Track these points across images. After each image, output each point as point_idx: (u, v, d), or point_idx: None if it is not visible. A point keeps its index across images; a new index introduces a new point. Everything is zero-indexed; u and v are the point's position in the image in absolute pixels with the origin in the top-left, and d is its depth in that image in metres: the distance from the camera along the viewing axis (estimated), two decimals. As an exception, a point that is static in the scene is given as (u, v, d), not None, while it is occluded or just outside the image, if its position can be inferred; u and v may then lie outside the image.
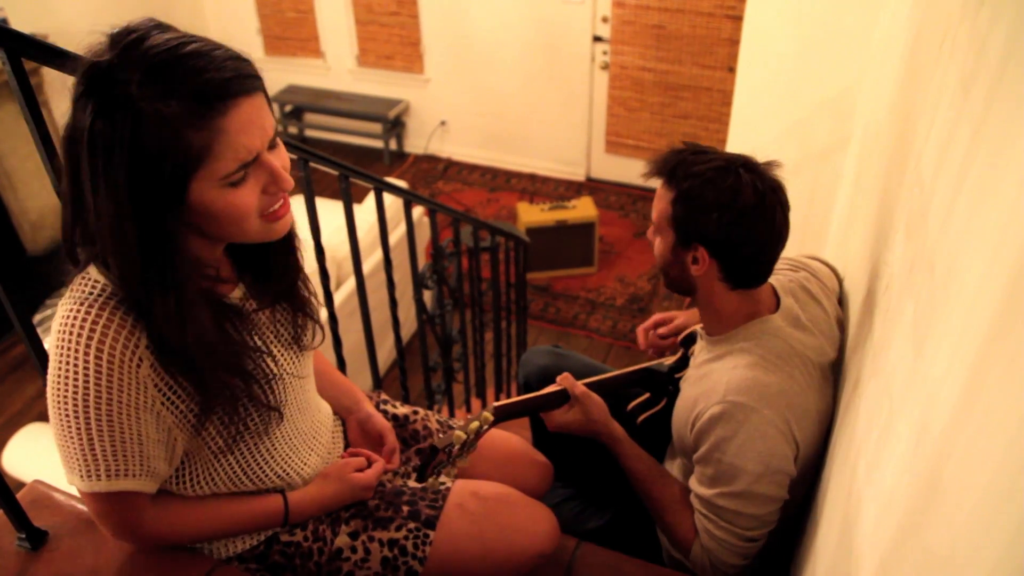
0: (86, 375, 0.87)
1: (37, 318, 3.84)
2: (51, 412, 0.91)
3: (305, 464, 1.15)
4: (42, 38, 1.07)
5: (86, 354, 0.86)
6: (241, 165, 0.85)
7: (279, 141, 0.93)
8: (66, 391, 0.88)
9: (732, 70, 4.40)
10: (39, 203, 4.29)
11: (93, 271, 0.91)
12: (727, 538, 1.24)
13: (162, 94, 0.79)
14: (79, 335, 0.87)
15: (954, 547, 0.55)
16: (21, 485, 1.26)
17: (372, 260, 3.23)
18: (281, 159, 0.92)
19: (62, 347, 0.87)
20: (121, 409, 0.89)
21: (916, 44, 1.30)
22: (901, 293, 0.93)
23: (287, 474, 1.12)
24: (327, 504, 1.17)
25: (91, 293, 0.89)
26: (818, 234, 2.29)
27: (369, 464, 1.22)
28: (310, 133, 5.90)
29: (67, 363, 0.87)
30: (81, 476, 0.93)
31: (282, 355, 1.08)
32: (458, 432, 1.22)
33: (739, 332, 1.29)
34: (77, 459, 0.92)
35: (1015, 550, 0.44)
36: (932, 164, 0.90)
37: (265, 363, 1.02)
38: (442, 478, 1.26)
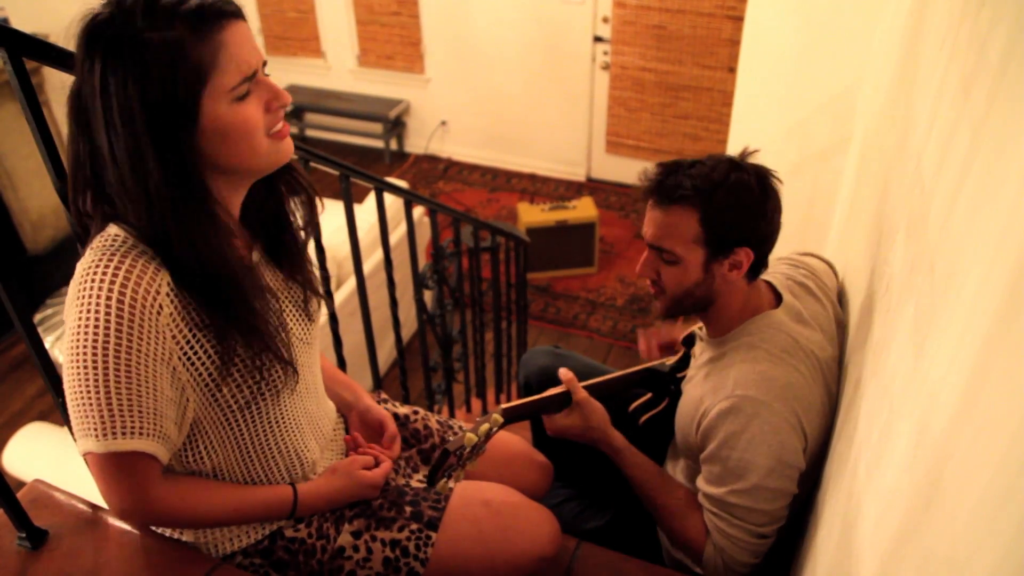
0: (107, 320, 0.88)
1: (37, 317, 3.84)
2: (67, 368, 0.91)
3: (307, 447, 1.16)
4: (43, 38, 1.07)
5: (108, 298, 0.88)
6: (243, 78, 0.91)
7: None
8: (85, 340, 0.88)
9: (733, 70, 4.40)
10: (40, 202, 4.29)
11: (112, 228, 0.93)
12: (741, 536, 1.23)
13: (164, 21, 0.85)
14: (100, 281, 0.88)
15: (954, 547, 0.55)
16: (21, 484, 1.26)
17: (373, 260, 3.23)
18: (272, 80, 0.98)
19: (83, 295, 0.89)
20: (140, 359, 0.90)
21: (916, 44, 1.30)
22: (901, 294, 0.93)
23: (291, 452, 1.13)
24: (334, 499, 1.17)
25: (112, 244, 0.91)
26: (818, 234, 2.29)
27: (376, 464, 1.23)
28: (311, 133, 5.91)
29: (87, 310, 0.88)
30: (96, 435, 0.91)
31: (293, 319, 1.11)
32: (469, 434, 1.22)
33: (742, 329, 1.29)
34: (91, 416, 0.91)
35: (1015, 550, 0.44)
36: (932, 164, 0.90)
37: (281, 320, 1.05)
38: (451, 482, 1.26)
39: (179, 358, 0.94)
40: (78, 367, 0.90)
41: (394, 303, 2.01)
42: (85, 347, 0.89)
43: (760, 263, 1.27)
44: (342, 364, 1.84)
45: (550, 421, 1.41)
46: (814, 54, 2.33)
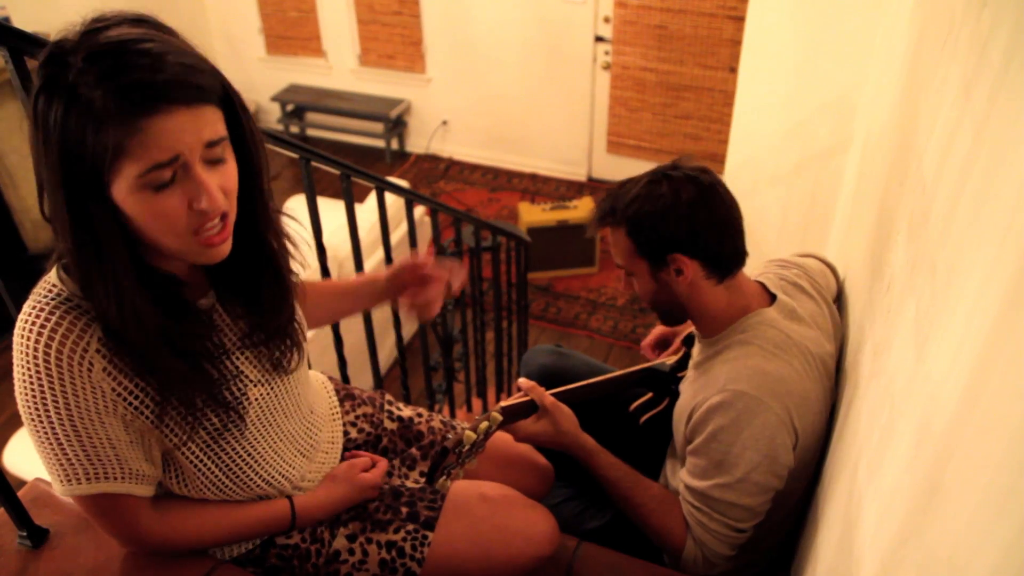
0: (40, 379, 0.87)
1: (38, 316, 3.83)
2: (22, 415, 0.91)
3: (291, 467, 1.13)
4: (44, 36, 1.07)
5: (36, 358, 0.86)
6: (154, 165, 0.80)
7: (229, 160, 0.88)
8: (28, 395, 0.88)
9: (734, 71, 4.40)
10: (41, 202, 4.29)
11: (52, 275, 0.91)
12: (720, 529, 1.24)
13: (94, 83, 0.77)
14: (30, 338, 0.87)
15: (955, 548, 0.55)
16: (22, 483, 1.26)
17: (373, 259, 3.23)
18: (224, 179, 0.87)
19: (18, 352, 0.88)
20: (81, 414, 0.89)
21: (918, 45, 1.30)
22: (903, 294, 0.93)
23: (272, 477, 1.10)
24: (337, 506, 1.17)
25: (45, 296, 0.88)
26: (820, 234, 2.29)
27: (373, 465, 1.22)
28: (312, 132, 5.90)
29: (24, 368, 0.87)
30: (60, 481, 0.93)
31: (249, 364, 1.04)
32: (468, 432, 1.22)
33: (734, 327, 1.29)
34: (53, 464, 0.92)
35: (1016, 551, 0.44)
36: (934, 165, 0.90)
37: (224, 365, 1.00)
38: (449, 480, 1.26)
39: (124, 407, 0.91)
40: (29, 418, 0.90)
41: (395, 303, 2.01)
42: (29, 401, 0.88)
43: (716, 262, 1.27)
44: (343, 364, 1.84)
45: (519, 429, 1.38)
46: (815, 54, 2.32)
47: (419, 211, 3.56)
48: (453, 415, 2.70)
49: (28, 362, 0.87)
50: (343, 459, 1.28)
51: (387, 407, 1.39)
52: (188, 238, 0.86)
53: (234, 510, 1.07)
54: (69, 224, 0.83)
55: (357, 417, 1.34)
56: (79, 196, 0.81)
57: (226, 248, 0.91)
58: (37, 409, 0.88)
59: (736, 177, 2.79)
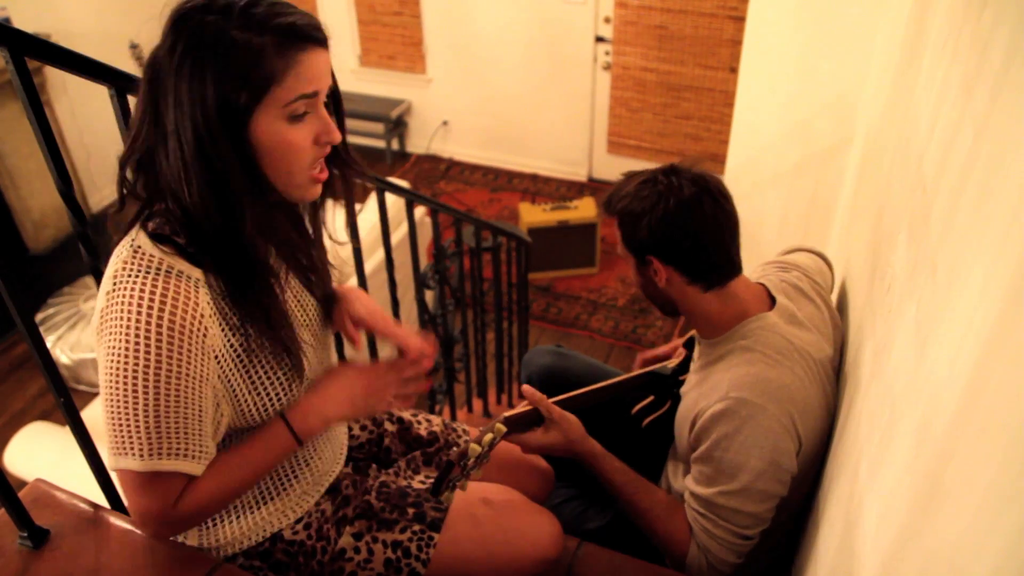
0: (156, 346, 0.89)
1: (39, 317, 3.84)
2: (110, 389, 0.90)
3: (312, 446, 1.15)
4: (44, 37, 1.08)
5: (151, 323, 0.89)
6: (301, 95, 0.92)
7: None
8: (128, 365, 0.89)
9: (734, 71, 4.40)
10: (41, 202, 4.30)
11: (146, 243, 0.92)
12: (725, 536, 1.23)
13: (255, 27, 0.88)
14: (141, 305, 0.89)
15: (956, 548, 0.55)
16: (23, 484, 1.26)
17: (374, 260, 3.23)
18: (331, 119, 0.99)
19: (125, 319, 0.89)
20: (188, 383, 0.91)
21: (919, 44, 1.30)
22: (903, 294, 0.93)
23: (295, 452, 1.12)
24: (332, 408, 1.10)
25: (147, 265, 0.91)
26: (820, 235, 2.29)
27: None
28: (312, 133, 5.91)
29: (132, 334, 0.88)
30: (140, 455, 0.92)
31: (301, 322, 1.10)
32: (473, 445, 1.22)
33: (735, 331, 1.29)
34: (136, 437, 0.91)
35: (1017, 551, 0.44)
36: (935, 165, 0.90)
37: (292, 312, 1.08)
38: (455, 493, 1.26)
39: (217, 374, 0.96)
40: (122, 390, 0.90)
41: (395, 303, 2.01)
42: (129, 372, 0.89)
43: (698, 272, 1.26)
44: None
45: (528, 441, 1.35)
46: (816, 54, 2.33)
47: (419, 211, 3.56)
48: (453, 416, 2.70)
49: (141, 331, 0.88)
50: (349, 457, 1.29)
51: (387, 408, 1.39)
52: (304, 172, 0.98)
53: (239, 452, 1.04)
54: (229, 150, 0.90)
55: (360, 416, 1.35)
56: (234, 125, 0.90)
57: (320, 187, 1.03)
58: (142, 381, 0.89)
59: (736, 177, 2.79)
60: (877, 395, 0.97)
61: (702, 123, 4.89)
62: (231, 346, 0.97)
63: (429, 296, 2.52)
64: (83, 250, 1.17)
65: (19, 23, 3.89)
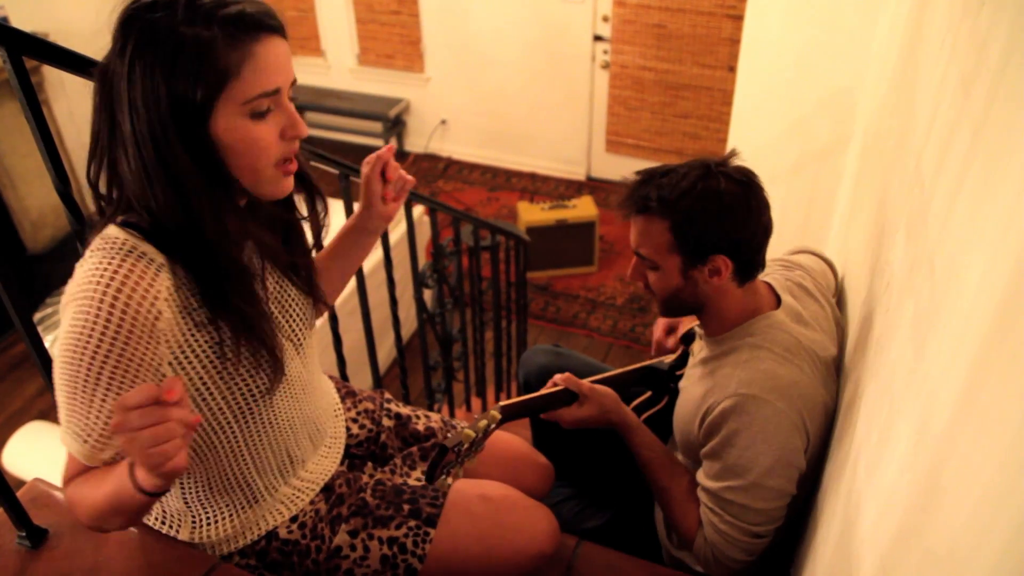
0: (104, 324, 0.86)
1: (37, 316, 3.83)
2: (59, 366, 0.89)
3: (299, 447, 1.15)
4: (42, 37, 1.07)
5: (102, 304, 0.86)
6: (262, 93, 0.90)
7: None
8: (78, 342, 0.86)
9: (732, 69, 4.40)
10: (39, 202, 4.29)
11: (113, 230, 0.91)
12: (732, 532, 1.23)
13: (203, 20, 0.86)
14: (99, 283, 0.87)
15: (954, 547, 0.55)
16: (21, 483, 1.26)
17: (372, 259, 3.22)
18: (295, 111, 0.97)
19: (81, 296, 0.87)
20: (129, 365, 0.88)
21: (916, 43, 1.30)
22: (901, 293, 0.93)
23: (282, 452, 1.12)
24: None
25: (112, 246, 0.90)
26: (819, 233, 2.29)
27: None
28: (311, 132, 5.88)
29: (85, 311, 0.86)
30: (62, 423, 0.92)
31: (283, 319, 1.09)
32: (467, 431, 1.22)
33: (743, 328, 1.29)
34: (62, 405, 0.90)
35: (1014, 550, 0.44)
36: (933, 163, 0.90)
37: (271, 309, 1.05)
38: (449, 479, 1.26)
39: (170, 363, 0.93)
40: (70, 367, 0.88)
41: (394, 302, 2.01)
42: (76, 355, 0.87)
43: (747, 266, 1.26)
44: (342, 363, 1.84)
45: (562, 416, 1.41)
46: (814, 53, 2.33)
47: (418, 210, 3.56)
48: (452, 414, 2.70)
49: (92, 309, 0.86)
50: (346, 454, 1.29)
51: (386, 405, 1.40)
52: (271, 168, 0.95)
53: (97, 473, 0.96)
54: (184, 153, 0.88)
55: (359, 413, 1.35)
56: (190, 125, 0.88)
57: (292, 179, 1.00)
58: (86, 359, 0.86)
59: (735, 176, 2.78)
60: (876, 393, 0.98)
61: (700, 122, 4.89)
62: (196, 341, 0.95)
63: (427, 295, 2.52)
64: (81, 249, 1.17)
65: (17, 22, 3.88)
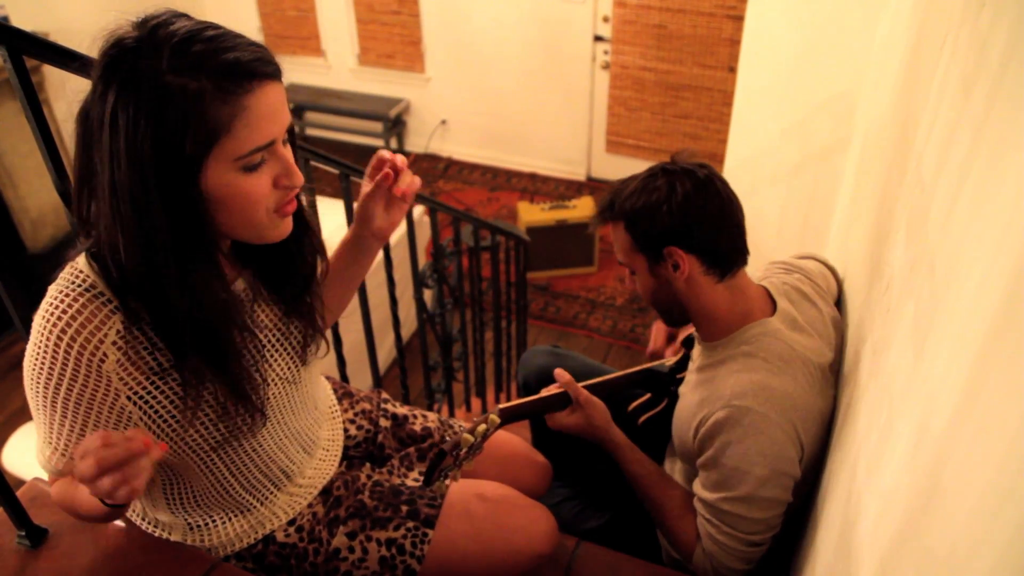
0: (51, 361, 0.89)
1: (37, 316, 3.83)
2: (26, 389, 0.94)
3: (292, 462, 1.14)
4: (43, 36, 1.07)
5: (48, 340, 0.88)
6: (255, 148, 0.85)
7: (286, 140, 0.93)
8: (31, 374, 0.91)
9: (733, 70, 4.40)
10: (39, 201, 4.29)
11: (82, 261, 0.91)
12: (729, 543, 1.23)
13: (190, 70, 0.79)
14: (48, 320, 0.88)
15: (954, 547, 0.55)
16: (21, 483, 1.26)
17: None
18: (290, 155, 0.92)
19: (35, 331, 0.90)
20: (79, 401, 0.91)
21: (917, 44, 1.30)
22: (901, 293, 0.93)
23: (271, 472, 1.11)
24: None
25: (71, 283, 0.90)
26: (819, 234, 2.29)
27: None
28: (311, 132, 5.90)
29: (35, 345, 0.90)
30: (48, 458, 0.98)
31: (278, 357, 1.07)
32: (465, 435, 1.22)
33: (737, 336, 1.28)
34: (42, 436, 0.97)
35: (1014, 550, 0.44)
36: (933, 164, 0.90)
37: (258, 354, 1.02)
38: (447, 481, 1.26)
39: (132, 401, 0.92)
40: (30, 393, 0.94)
41: (394, 302, 2.01)
42: (31, 380, 0.91)
43: (714, 258, 1.26)
44: (342, 363, 1.84)
45: (553, 418, 1.42)
46: (815, 54, 2.33)
47: (418, 210, 3.56)
48: (452, 415, 2.70)
49: (41, 345, 0.89)
50: (344, 455, 1.29)
51: (383, 405, 1.39)
52: (267, 216, 0.90)
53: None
54: (161, 211, 0.82)
55: (356, 414, 1.35)
56: (174, 181, 0.82)
57: (291, 221, 0.95)
58: (40, 391, 0.91)
59: (735, 177, 2.79)
60: (875, 394, 0.98)
61: (700, 122, 4.89)
62: (153, 385, 0.92)
63: (427, 295, 2.52)
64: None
65: (17, 21, 3.88)
